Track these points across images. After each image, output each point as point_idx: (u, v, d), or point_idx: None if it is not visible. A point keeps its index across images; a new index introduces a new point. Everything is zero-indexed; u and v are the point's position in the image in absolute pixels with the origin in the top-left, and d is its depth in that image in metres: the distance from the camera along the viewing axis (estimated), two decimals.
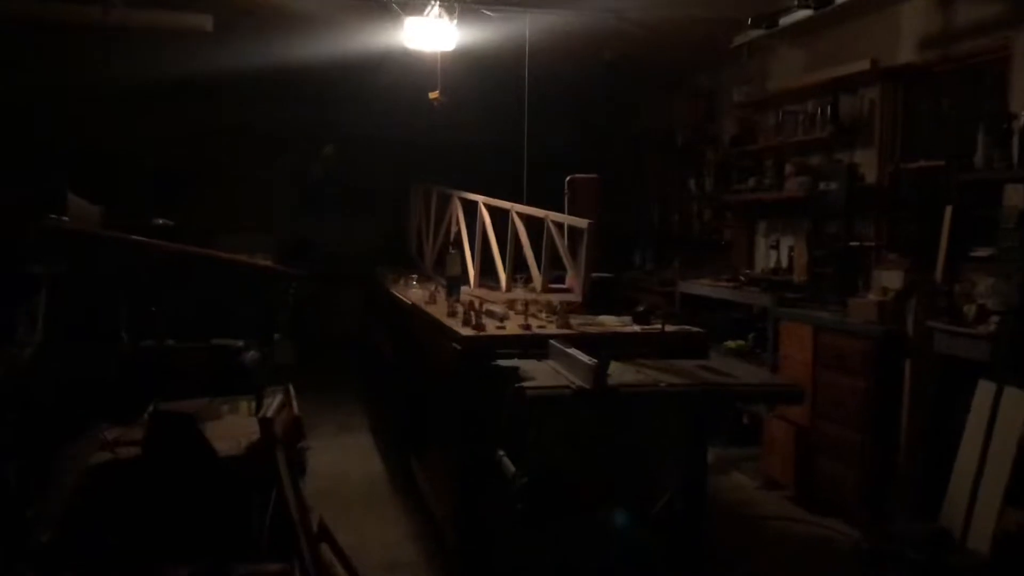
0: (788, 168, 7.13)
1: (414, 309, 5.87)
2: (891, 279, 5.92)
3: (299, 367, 8.44)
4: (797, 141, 7.03)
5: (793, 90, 7.12)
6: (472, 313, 4.61)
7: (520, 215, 5.56)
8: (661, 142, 9.71)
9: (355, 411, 8.42)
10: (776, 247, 7.49)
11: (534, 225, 5.50)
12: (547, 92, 6.61)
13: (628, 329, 4.61)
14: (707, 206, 8.74)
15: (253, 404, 4.05)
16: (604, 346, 4.26)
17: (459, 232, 6.54)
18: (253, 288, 5.10)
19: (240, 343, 4.09)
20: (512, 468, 3.50)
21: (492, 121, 10.00)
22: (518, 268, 6.04)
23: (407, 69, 7.96)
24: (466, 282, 6.39)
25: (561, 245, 4.84)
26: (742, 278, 7.14)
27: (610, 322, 4.74)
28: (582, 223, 4.57)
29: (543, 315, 5.15)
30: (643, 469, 3.44)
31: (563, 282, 5.58)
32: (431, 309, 5.50)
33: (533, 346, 4.16)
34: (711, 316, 7.11)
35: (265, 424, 3.13)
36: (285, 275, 6.06)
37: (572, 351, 3.63)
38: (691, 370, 3.77)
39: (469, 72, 7.99)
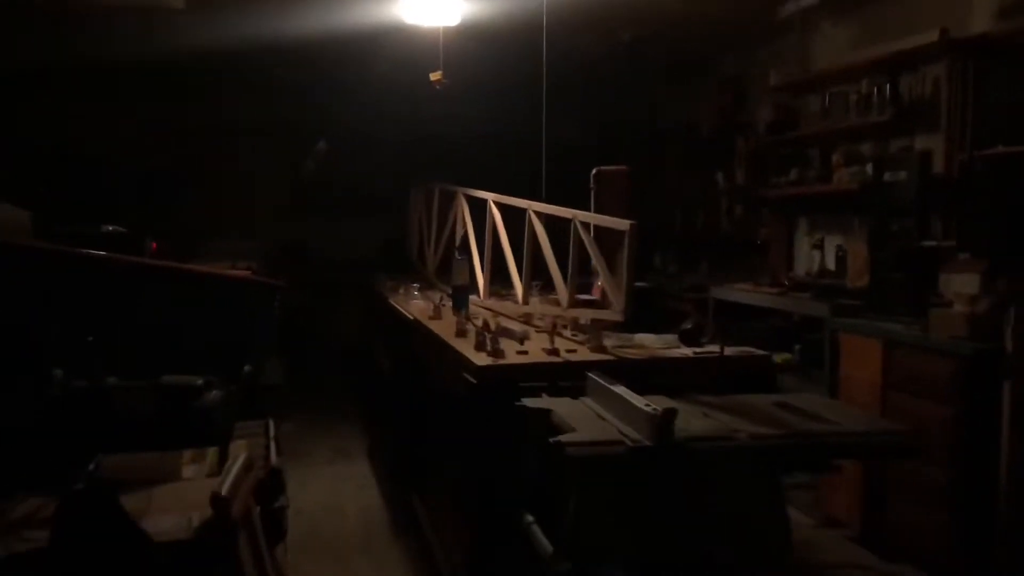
0: (836, 158, 6.30)
1: (416, 325, 5.06)
2: (964, 284, 5.08)
3: (291, 386, 7.72)
4: (848, 127, 6.20)
5: (843, 69, 6.28)
6: (487, 335, 3.80)
7: (538, 214, 4.74)
8: (683, 132, 8.89)
9: (352, 433, 7.61)
10: (820, 247, 6.66)
11: (555, 226, 4.68)
12: (559, 77, 5.79)
13: (677, 353, 3.79)
14: (738, 202, 7.91)
15: (218, 456, 3.23)
16: (651, 375, 3.45)
17: (466, 235, 5.72)
18: (226, 306, 4.28)
19: (199, 381, 3.26)
20: (547, 545, 2.69)
21: (500, 109, 9.22)
22: (535, 275, 5.24)
23: (406, 53, 7.15)
24: (474, 291, 5.58)
25: (594, 250, 4.02)
26: (786, 283, 6.32)
27: (652, 343, 3.92)
28: (622, 224, 3.76)
29: (568, 332, 4.34)
30: (715, 545, 2.63)
31: (587, 292, 4.77)
32: (436, 326, 4.69)
33: (563, 376, 3.36)
34: (748, 326, 6.31)
35: (220, 505, 2.31)
36: (267, 287, 5.24)
37: (621, 390, 2.82)
38: (769, 411, 2.95)
39: (475, 52, 7.18)
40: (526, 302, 4.89)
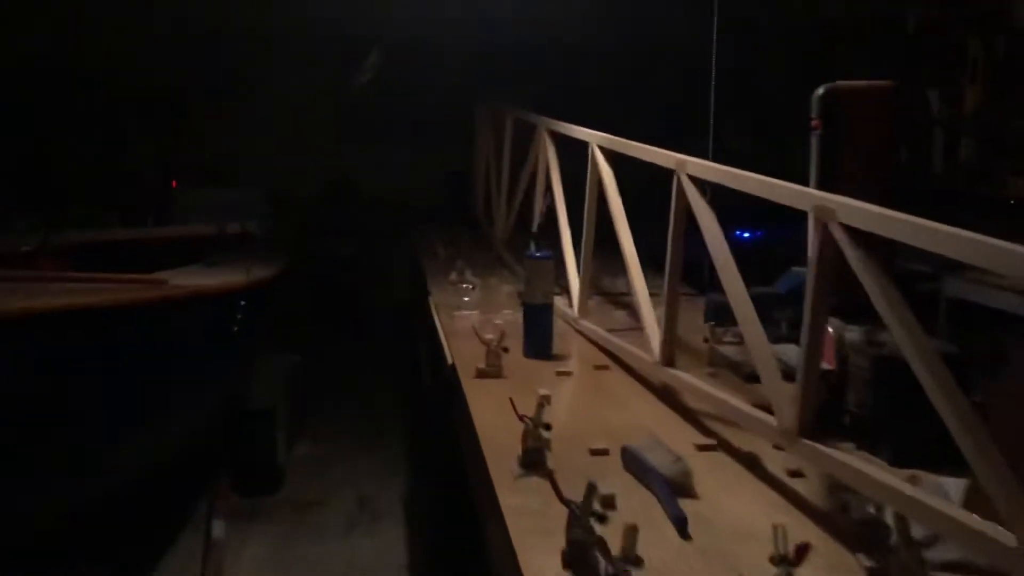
0: None
1: (455, 382, 2.74)
2: None
3: (317, 379, 5.60)
4: None
5: None
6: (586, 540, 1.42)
7: (694, 179, 2.28)
8: (869, 24, 6.12)
9: (387, 467, 5.36)
10: None
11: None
12: None
13: None
14: (969, 135, 5.20)
15: None
16: None
17: (552, 205, 3.28)
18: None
19: None
20: None
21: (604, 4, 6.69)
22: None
23: None
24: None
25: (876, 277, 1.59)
26: None
27: None
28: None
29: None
30: None
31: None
32: (483, 407, 2.36)
33: None
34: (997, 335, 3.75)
35: None
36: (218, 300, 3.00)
37: None
38: None
39: None
40: (668, 359, 2.45)
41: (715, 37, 3.42)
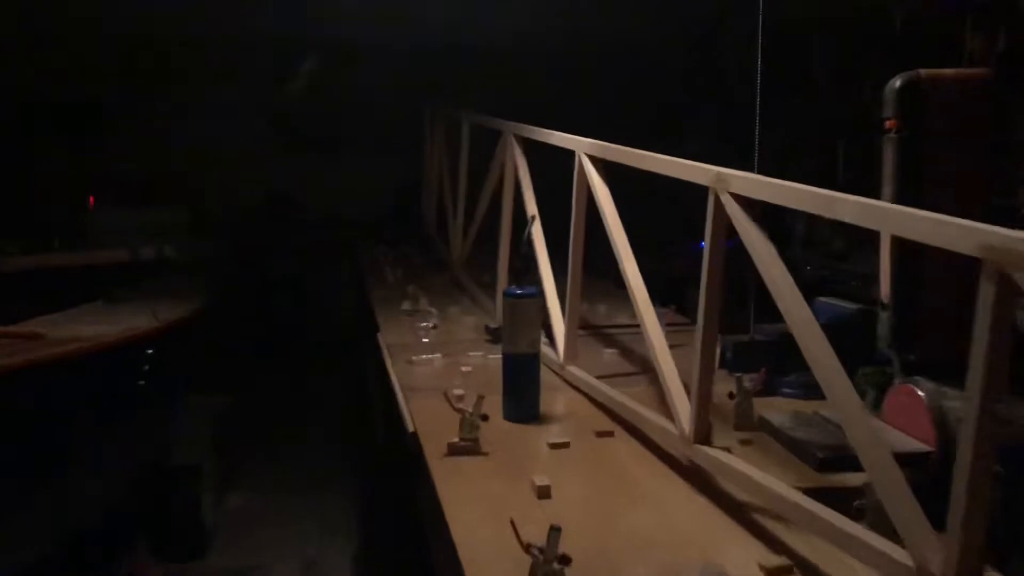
0: None
1: (417, 457, 2.12)
2: None
3: (251, 417, 4.98)
4: None
5: None
6: None
7: (742, 198, 1.71)
8: (849, 19, 5.70)
9: (333, 524, 4.69)
10: None
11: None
12: None
13: None
14: None
15: None
16: None
17: (529, 236, 2.66)
18: None
19: None
20: None
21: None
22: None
23: None
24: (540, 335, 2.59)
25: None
26: None
27: None
28: None
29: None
30: None
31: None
32: (455, 492, 1.76)
33: None
34: None
35: None
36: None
37: None
38: None
39: None
40: (703, 435, 1.86)
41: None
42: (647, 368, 2.86)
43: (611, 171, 2.51)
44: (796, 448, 1.92)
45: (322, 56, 7.11)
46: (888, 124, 1.77)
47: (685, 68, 6.79)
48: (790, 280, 1.60)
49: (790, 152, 5.58)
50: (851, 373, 2.38)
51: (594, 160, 2.52)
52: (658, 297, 2.60)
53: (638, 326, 3.35)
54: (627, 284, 2.28)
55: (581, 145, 2.57)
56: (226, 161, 6.76)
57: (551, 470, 1.95)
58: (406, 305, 3.91)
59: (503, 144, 3.45)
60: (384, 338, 3.37)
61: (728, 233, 1.77)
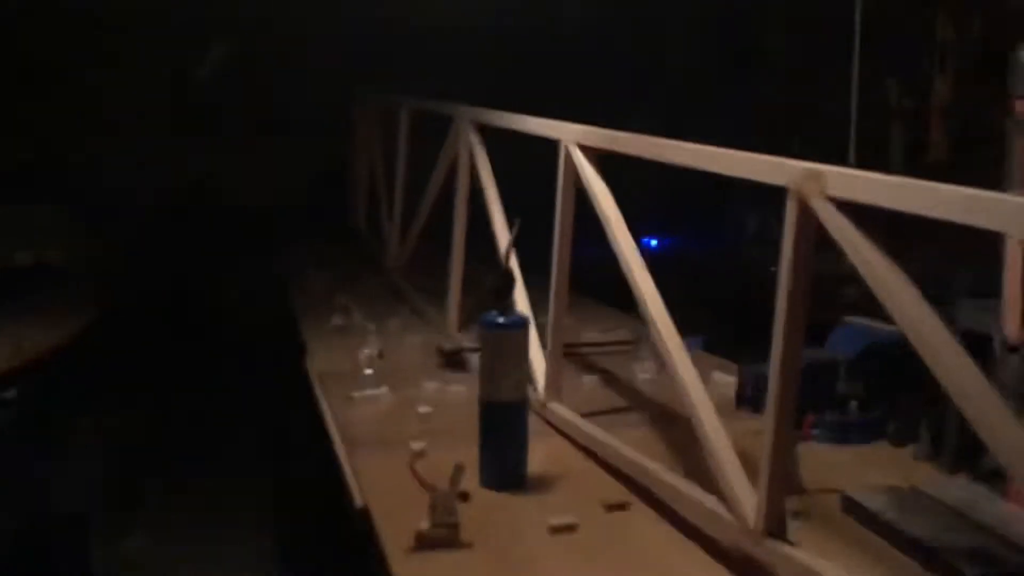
0: None
1: (380, 561, 1.57)
2: None
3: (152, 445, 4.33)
4: None
5: None
6: None
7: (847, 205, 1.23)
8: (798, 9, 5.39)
9: (254, 569, 4.08)
10: None
11: None
12: None
13: None
14: (940, 132, 4.51)
15: None
16: None
17: (507, 254, 2.12)
18: None
19: None
20: None
21: None
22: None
23: None
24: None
25: None
26: None
27: None
28: None
29: None
30: None
31: None
32: None
33: None
34: None
35: None
36: None
37: None
38: None
39: None
40: (776, 525, 1.38)
41: None
42: (641, 402, 2.39)
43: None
44: (920, 552, 1.42)
45: (237, 37, 6.41)
46: (1017, 106, 1.33)
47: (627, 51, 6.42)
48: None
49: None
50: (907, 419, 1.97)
51: (586, 151, 2.02)
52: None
53: (616, 343, 2.94)
54: (643, 310, 1.79)
55: (570, 133, 2.06)
56: (126, 151, 6.03)
57: (559, 568, 1.45)
58: (337, 319, 3.34)
59: (455, 132, 2.91)
60: (313, 364, 2.80)
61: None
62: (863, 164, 4.93)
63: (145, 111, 6.22)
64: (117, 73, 6.06)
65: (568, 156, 2.06)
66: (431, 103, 3.50)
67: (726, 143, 1.55)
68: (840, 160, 5.05)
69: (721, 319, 4.08)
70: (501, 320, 1.78)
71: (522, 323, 1.81)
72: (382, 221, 4.27)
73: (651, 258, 1.86)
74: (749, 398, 2.12)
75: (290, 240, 5.57)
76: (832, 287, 4.38)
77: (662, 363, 2.27)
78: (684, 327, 1.86)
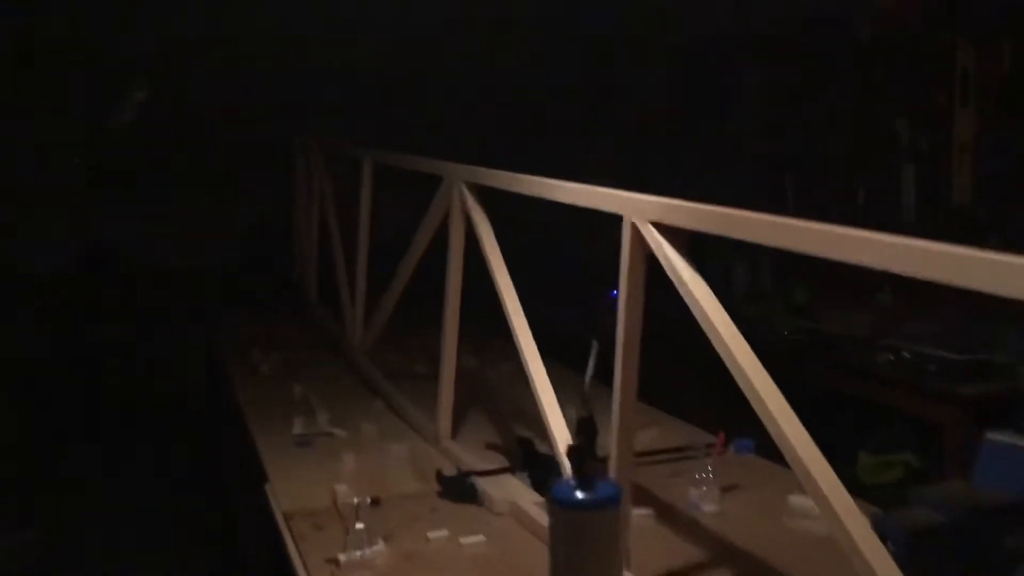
0: None
1: None
2: None
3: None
4: None
5: None
6: None
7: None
8: (802, 35, 4.99)
9: None
10: None
11: None
12: None
13: None
14: (964, 174, 4.10)
15: None
16: None
17: (593, 365, 1.50)
18: None
19: None
20: None
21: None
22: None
23: None
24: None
25: None
26: None
27: None
28: None
29: None
30: None
31: None
32: None
33: None
34: None
35: None
36: None
37: None
38: None
39: None
40: None
41: None
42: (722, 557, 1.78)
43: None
44: None
45: (153, 82, 5.75)
46: None
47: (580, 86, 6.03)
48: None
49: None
50: None
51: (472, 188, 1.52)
52: None
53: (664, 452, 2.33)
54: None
55: (456, 172, 1.60)
56: (30, 209, 5.31)
57: None
58: (298, 427, 2.67)
59: (445, 194, 2.30)
60: (277, 500, 2.12)
61: None
62: (871, 209, 4.50)
63: (57, 175, 5.53)
64: (29, 135, 5.40)
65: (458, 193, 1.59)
66: (400, 156, 2.90)
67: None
68: (848, 202, 4.62)
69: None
70: (582, 496, 1.17)
71: (614, 497, 1.19)
72: (339, 292, 3.62)
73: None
74: (897, 558, 1.53)
75: (224, 309, 4.87)
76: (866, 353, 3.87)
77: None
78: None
